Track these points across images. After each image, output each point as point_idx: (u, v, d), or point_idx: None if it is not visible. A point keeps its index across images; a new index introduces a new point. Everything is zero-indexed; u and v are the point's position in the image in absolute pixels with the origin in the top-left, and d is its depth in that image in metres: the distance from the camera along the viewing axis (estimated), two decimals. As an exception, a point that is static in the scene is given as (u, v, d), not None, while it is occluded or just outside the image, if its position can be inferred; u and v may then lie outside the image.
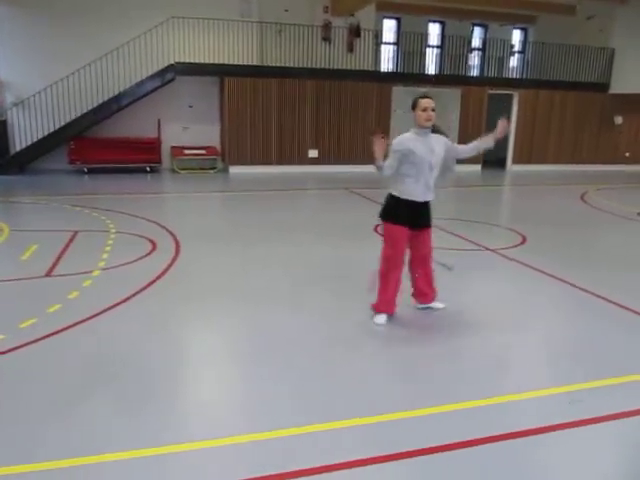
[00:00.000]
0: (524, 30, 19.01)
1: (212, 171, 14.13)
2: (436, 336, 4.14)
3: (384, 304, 4.29)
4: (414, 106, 4.03)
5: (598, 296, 5.00)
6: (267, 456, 2.65)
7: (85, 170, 13.14)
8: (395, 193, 4.15)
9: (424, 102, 3.99)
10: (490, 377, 3.51)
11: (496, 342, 4.07)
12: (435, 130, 4.10)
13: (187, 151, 14.10)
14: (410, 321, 4.38)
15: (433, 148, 4.06)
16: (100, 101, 13.02)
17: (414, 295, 4.55)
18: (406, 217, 4.12)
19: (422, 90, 16.22)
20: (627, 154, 17.43)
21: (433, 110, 3.99)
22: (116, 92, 13.06)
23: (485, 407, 3.13)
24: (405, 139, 4.06)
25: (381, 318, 4.27)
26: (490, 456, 2.69)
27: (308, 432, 2.84)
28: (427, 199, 4.18)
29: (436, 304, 4.57)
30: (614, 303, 4.83)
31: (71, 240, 6.66)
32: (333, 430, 2.86)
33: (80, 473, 2.51)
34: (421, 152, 4.01)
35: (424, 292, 4.51)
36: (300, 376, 3.46)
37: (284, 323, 4.29)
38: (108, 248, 6.34)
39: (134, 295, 4.80)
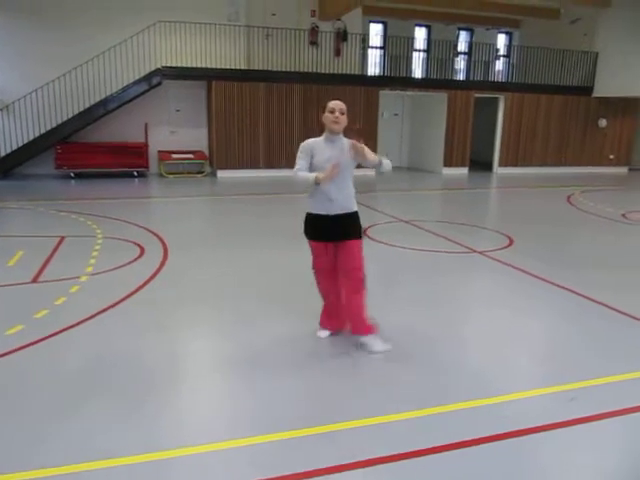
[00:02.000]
0: (509, 34, 19.22)
1: (200, 175, 14.09)
2: (425, 336, 4.16)
3: (323, 318, 4.11)
4: (324, 108, 3.76)
5: (584, 296, 5.06)
6: (269, 458, 2.65)
7: (72, 175, 13.05)
8: (308, 208, 3.88)
9: (332, 104, 3.71)
10: (487, 377, 3.53)
11: (489, 343, 4.10)
12: (346, 134, 3.78)
13: (174, 155, 14.05)
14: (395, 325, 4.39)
15: (336, 156, 3.67)
16: (87, 105, 12.94)
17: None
18: (319, 231, 3.81)
19: (409, 94, 16.40)
20: (611, 156, 17.65)
21: (342, 113, 3.70)
22: (103, 96, 12.99)
23: (485, 406, 3.15)
24: (311, 141, 3.79)
25: (323, 333, 4.09)
26: (491, 455, 2.70)
27: (306, 435, 2.84)
28: (333, 213, 3.75)
29: (377, 344, 3.87)
30: (600, 303, 4.88)
31: (58, 246, 6.61)
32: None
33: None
34: (319, 160, 3.69)
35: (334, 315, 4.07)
36: (292, 382, 3.46)
37: (274, 327, 4.28)
38: (95, 253, 6.29)
39: (122, 301, 4.77)
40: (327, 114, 3.73)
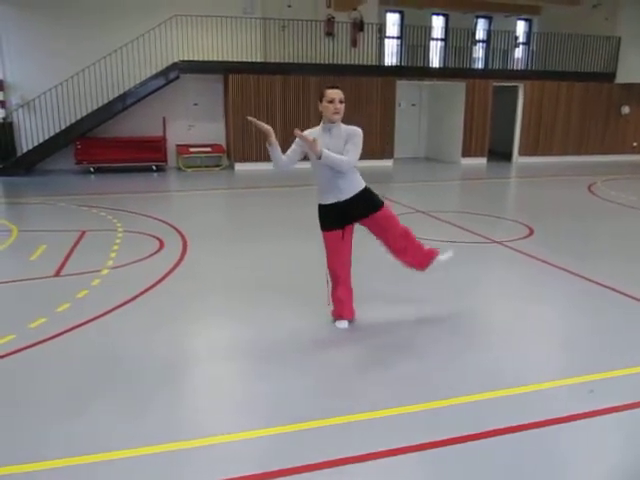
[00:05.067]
0: (528, 21, 18.87)
1: (218, 168, 14.15)
2: (446, 326, 4.13)
3: (341, 309, 4.08)
4: (321, 98, 3.69)
5: (605, 286, 4.98)
6: (286, 449, 2.67)
7: (92, 170, 13.20)
8: (317, 200, 3.90)
9: (331, 93, 3.63)
10: (506, 368, 3.50)
11: (508, 334, 4.07)
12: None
13: (192, 149, 14.13)
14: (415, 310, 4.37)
15: (335, 144, 3.67)
16: (105, 101, 13.07)
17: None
18: (334, 219, 3.81)
19: (426, 84, 16.23)
20: (635, 144, 17.29)
21: (341, 102, 3.65)
22: (121, 91, 13.10)
23: (502, 398, 3.13)
24: (307, 132, 3.72)
25: (342, 324, 4.07)
26: (509, 446, 2.69)
27: (323, 426, 2.85)
28: (342, 199, 3.78)
29: (441, 257, 4.17)
30: (621, 293, 4.81)
31: (79, 240, 6.70)
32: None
33: (86, 470, 2.54)
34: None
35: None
36: (305, 374, 3.47)
37: (291, 321, 4.29)
38: (116, 247, 6.37)
39: (142, 293, 4.83)
40: (326, 104, 3.67)
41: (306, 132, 3.73)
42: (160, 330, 4.09)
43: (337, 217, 3.82)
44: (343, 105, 3.69)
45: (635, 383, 3.33)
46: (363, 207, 3.83)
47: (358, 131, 3.77)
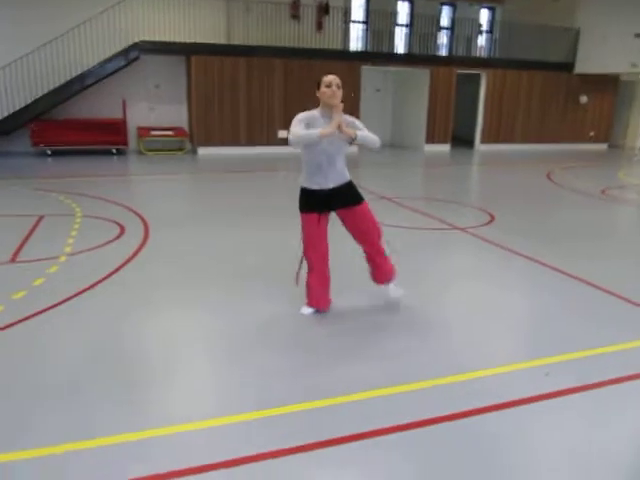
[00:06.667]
0: (492, 10, 19.08)
1: (180, 152, 13.90)
2: (402, 313, 4.19)
3: (316, 296, 4.08)
4: (318, 84, 3.74)
5: (561, 271, 5.14)
6: (271, 430, 2.67)
7: (48, 152, 12.77)
8: (300, 183, 3.91)
9: (328, 78, 3.71)
10: (462, 353, 3.58)
11: (465, 318, 4.15)
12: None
13: (154, 132, 13.81)
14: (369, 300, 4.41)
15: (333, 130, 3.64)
16: (63, 81, 12.61)
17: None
18: (315, 204, 3.84)
19: (391, 70, 16.26)
20: (592, 133, 17.80)
21: (339, 87, 3.70)
22: (79, 71, 12.66)
23: (461, 383, 3.20)
24: (306, 114, 3.74)
25: (306, 310, 4.08)
26: (466, 430, 2.75)
27: (299, 410, 2.86)
28: (327, 187, 3.83)
29: (392, 288, 4.23)
30: (577, 278, 4.96)
31: (36, 225, 6.49)
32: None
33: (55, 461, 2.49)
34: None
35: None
36: (272, 362, 3.47)
37: (255, 310, 4.28)
38: (74, 233, 6.20)
39: (101, 281, 4.72)
40: (324, 89, 3.72)
41: (304, 113, 3.75)
42: (123, 319, 4.01)
43: (318, 202, 3.86)
44: (341, 90, 3.73)
45: (589, 366, 3.45)
46: (345, 197, 3.91)
47: (352, 118, 3.86)
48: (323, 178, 3.83)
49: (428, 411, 2.89)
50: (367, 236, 4.02)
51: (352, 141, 3.72)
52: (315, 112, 3.80)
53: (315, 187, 3.85)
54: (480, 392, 3.10)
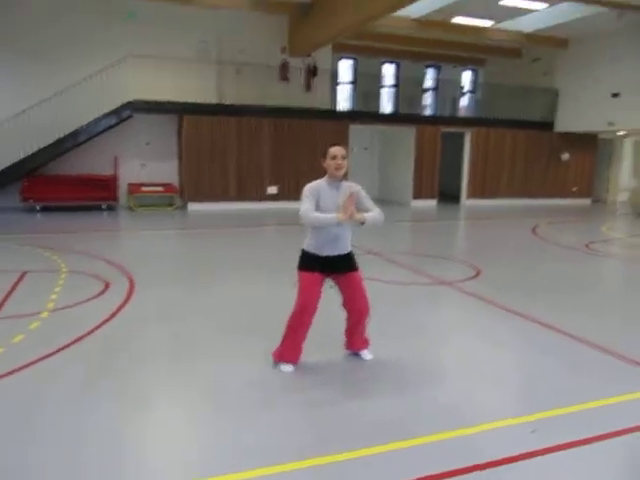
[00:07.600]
0: (475, 71, 19.89)
1: (170, 208, 14.00)
2: (386, 371, 4.14)
3: (288, 352, 4.06)
4: (324, 155, 3.84)
5: (549, 326, 5.12)
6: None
7: (37, 208, 12.81)
8: (305, 247, 3.98)
9: (333, 150, 3.80)
10: (448, 410, 3.51)
11: (456, 374, 4.10)
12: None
13: (144, 188, 13.96)
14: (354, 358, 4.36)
15: (339, 201, 3.80)
16: (56, 138, 12.81)
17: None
18: (318, 266, 3.93)
19: (378, 128, 16.72)
20: (574, 189, 18.21)
21: (344, 158, 3.80)
22: (72, 129, 12.89)
23: (447, 440, 3.12)
24: (315, 184, 3.85)
25: (287, 367, 4.03)
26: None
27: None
28: (334, 254, 3.94)
29: (365, 353, 4.32)
30: (564, 333, 4.95)
31: (19, 280, 6.43)
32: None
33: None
34: (326, 203, 3.80)
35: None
36: (261, 419, 3.39)
37: (244, 365, 4.20)
38: (58, 289, 6.14)
39: (82, 338, 4.62)
40: (329, 161, 3.82)
41: (314, 184, 3.85)
42: (100, 380, 3.92)
43: (320, 265, 3.94)
44: (345, 161, 3.84)
45: (576, 422, 3.40)
46: (345, 264, 4.03)
47: (358, 186, 3.99)
48: (330, 249, 3.94)
49: (402, 473, 2.81)
50: (356, 304, 4.07)
51: (361, 224, 3.82)
52: (322, 182, 3.90)
53: (325, 254, 3.94)
54: (467, 450, 3.03)
